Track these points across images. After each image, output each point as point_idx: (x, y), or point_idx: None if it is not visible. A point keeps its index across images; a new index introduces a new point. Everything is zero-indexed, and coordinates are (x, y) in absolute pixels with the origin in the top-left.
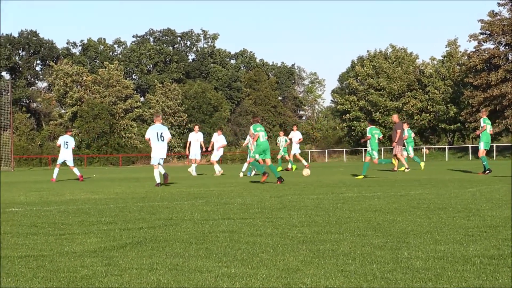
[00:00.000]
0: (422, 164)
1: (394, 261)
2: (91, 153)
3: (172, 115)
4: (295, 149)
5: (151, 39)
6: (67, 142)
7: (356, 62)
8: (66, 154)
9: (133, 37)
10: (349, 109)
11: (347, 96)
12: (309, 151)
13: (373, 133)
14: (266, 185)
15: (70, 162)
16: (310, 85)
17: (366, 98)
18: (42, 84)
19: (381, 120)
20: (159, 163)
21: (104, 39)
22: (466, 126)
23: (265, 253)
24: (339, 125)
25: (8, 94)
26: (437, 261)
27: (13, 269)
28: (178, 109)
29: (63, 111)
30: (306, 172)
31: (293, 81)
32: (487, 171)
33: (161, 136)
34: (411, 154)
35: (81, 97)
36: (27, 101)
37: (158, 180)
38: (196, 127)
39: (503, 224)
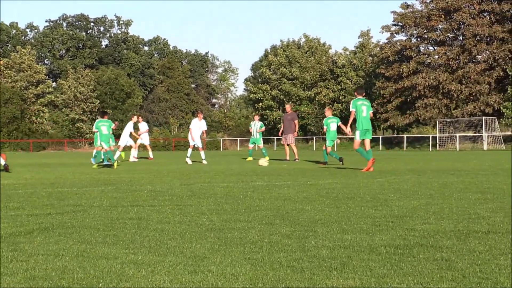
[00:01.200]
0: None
1: (301, 249)
2: (1, 138)
3: (84, 101)
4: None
5: (64, 24)
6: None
7: (269, 51)
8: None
9: (46, 21)
10: (261, 98)
11: (260, 85)
12: (221, 139)
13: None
14: (177, 173)
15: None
16: (223, 73)
17: (279, 88)
18: None
19: (293, 109)
20: None
21: (17, 23)
22: (378, 117)
23: (173, 241)
24: (251, 113)
25: None
26: (343, 250)
27: None
28: (90, 95)
29: None
30: (262, 162)
31: (207, 69)
32: (323, 163)
33: None
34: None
35: None
36: None
37: None
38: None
39: (409, 214)
